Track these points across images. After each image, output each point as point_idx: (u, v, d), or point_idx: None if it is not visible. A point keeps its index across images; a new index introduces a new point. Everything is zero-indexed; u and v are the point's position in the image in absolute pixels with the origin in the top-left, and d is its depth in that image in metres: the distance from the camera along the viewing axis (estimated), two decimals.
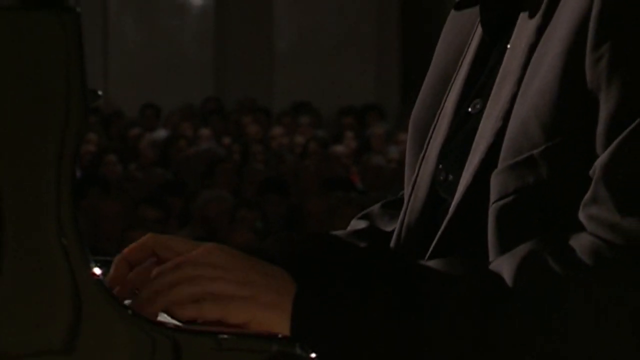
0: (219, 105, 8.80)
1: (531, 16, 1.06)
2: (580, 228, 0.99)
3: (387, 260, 1.02)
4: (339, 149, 7.03)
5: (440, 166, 1.11)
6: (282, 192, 5.35)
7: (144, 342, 0.97)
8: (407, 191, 1.16)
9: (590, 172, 0.99)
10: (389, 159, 6.64)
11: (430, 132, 1.15)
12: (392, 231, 1.17)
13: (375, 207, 1.24)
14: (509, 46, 1.08)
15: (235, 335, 0.97)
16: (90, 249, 0.99)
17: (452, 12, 1.20)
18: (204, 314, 0.96)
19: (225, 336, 0.97)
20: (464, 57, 1.16)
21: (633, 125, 0.97)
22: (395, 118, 8.48)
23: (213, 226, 4.81)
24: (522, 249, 0.98)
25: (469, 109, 1.11)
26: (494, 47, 1.11)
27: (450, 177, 1.10)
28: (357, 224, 1.23)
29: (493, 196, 1.03)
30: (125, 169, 6.42)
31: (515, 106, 1.03)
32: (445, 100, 1.15)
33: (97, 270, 0.98)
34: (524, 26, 1.06)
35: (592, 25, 0.99)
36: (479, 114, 1.09)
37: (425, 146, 1.15)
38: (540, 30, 1.04)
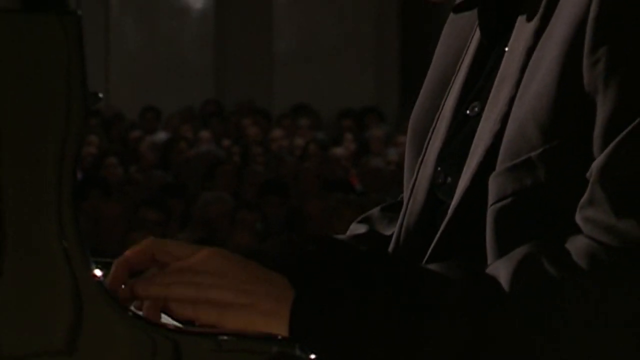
0: (219, 107, 8.80)
1: (529, 19, 1.06)
2: (578, 230, 0.99)
3: (386, 264, 1.02)
4: (339, 151, 7.04)
5: (439, 169, 1.12)
6: (282, 194, 5.35)
7: (145, 343, 0.97)
8: (406, 194, 1.17)
9: (587, 174, 0.99)
10: (388, 161, 6.65)
11: (429, 135, 1.15)
12: (392, 235, 1.17)
13: (375, 211, 1.25)
14: (507, 49, 1.08)
15: (235, 337, 0.98)
16: (91, 251, 0.99)
17: (451, 15, 1.21)
18: (200, 316, 0.97)
19: (225, 337, 0.97)
20: (463, 60, 1.16)
21: (629, 127, 0.97)
22: (394, 120, 8.49)
23: (213, 228, 4.82)
24: (518, 253, 0.99)
25: (467, 112, 1.11)
26: (492, 50, 1.12)
27: (449, 179, 1.10)
28: (357, 228, 1.23)
29: (491, 198, 1.03)
30: (126, 171, 6.42)
31: (513, 109, 1.04)
32: (444, 103, 1.16)
33: (98, 272, 0.99)
34: (522, 29, 1.07)
35: (589, 28, 1.00)
36: (477, 116, 1.09)
37: (423, 149, 1.15)
38: (538, 34, 1.04)
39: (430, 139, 1.15)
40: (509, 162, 1.02)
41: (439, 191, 1.11)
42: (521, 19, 1.07)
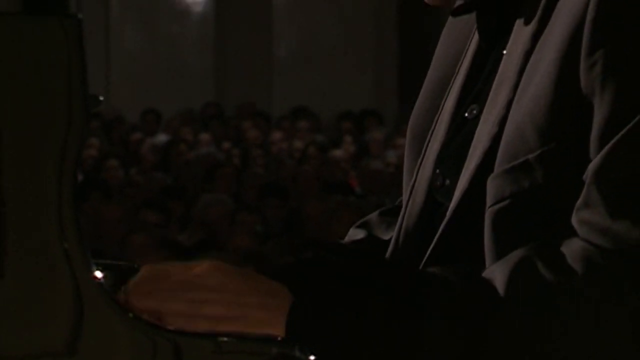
0: (219, 110, 8.80)
1: (527, 23, 1.07)
2: (575, 232, 0.99)
3: (384, 267, 1.03)
4: (338, 153, 7.04)
5: (438, 171, 1.12)
6: (282, 196, 5.36)
7: (145, 345, 0.98)
8: (405, 196, 1.17)
9: (584, 176, 1.00)
10: (387, 163, 6.65)
11: (428, 137, 1.16)
12: (390, 239, 1.17)
13: (373, 216, 1.25)
14: (505, 52, 1.09)
15: (235, 338, 0.98)
16: (92, 253, 1.00)
17: (450, 18, 1.21)
18: (195, 327, 0.98)
19: (225, 339, 0.98)
20: (461, 63, 1.16)
21: (625, 129, 0.98)
22: (393, 123, 8.49)
23: (213, 230, 4.82)
24: (514, 256, 0.99)
25: (466, 115, 1.12)
26: (491, 53, 1.12)
27: (448, 181, 1.10)
28: (355, 234, 1.24)
29: (489, 200, 1.03)
30: (127, 173, 6.42)
31: (511, 112, 1.04)
32: (443, 106, 1.16)
33: (99, 274, 0.99)
34: (520, 32, 1.07)
35: (586, 31, 1.00)
36: (476, 119, 1.09)
37: (422, 151, 1.16)
38: (536, 37, 1.05)
39: (429, 141, 1.16)
40: (507, 164, 1.03)
41: (437, 193, 1.12)
42: (519, 22, 1.08)
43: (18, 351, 0.98)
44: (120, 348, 0.98)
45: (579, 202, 0.99)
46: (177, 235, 4.85)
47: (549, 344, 0.97)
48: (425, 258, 1.08)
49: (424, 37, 8.43)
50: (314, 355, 0.97)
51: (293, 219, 5.06)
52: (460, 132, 1.12)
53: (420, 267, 1.07)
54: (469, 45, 1.17)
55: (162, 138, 7.74)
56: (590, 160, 1.00)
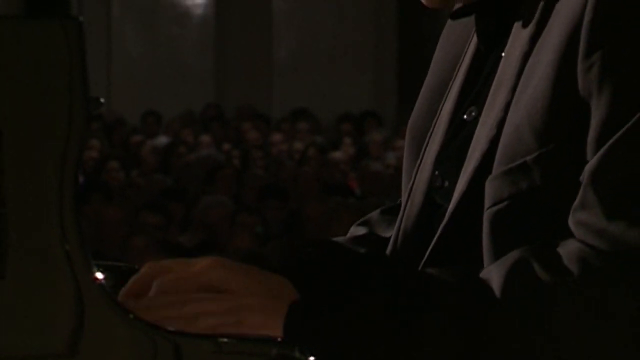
0: (219, 112, 8.80)
1: (525, 25, 1.07)
2: (572, 234, 1.00)
3: (384, 266, 1.03)
4: (338, 155, 7.04)
5: (436, 173, 1.13)
6: (282, 198, 5.36)
7: (146, 346, 0.98)
8: (404, 197, 1.17)
9: (581, 177, 1.00)
10: (386, 164, 6.65)
11: (427, 139, 1.16)
12: (390, 237, 1.18)
13: (375, 214, 1.26)
14: (503, 55, 1.09)
15: (235, 339, 0.99)
16: (93, 254, 1.00)
17: (449, 21, 1.22)
18: (193, 330, 0.98)
19: (226, 340, 0.98)
20: (460, 65, 1.17)
21: (622, 131, 0.98)
22: (392, 124, 8.49)
23: (213, 231, 4.82)
24: (510, 257, 0.99)
25: (465, 117, 1.12)
26: (489, 55, 1.13)
27: (446, 183, 1.11)
28: (357, 231, 1.24)
29: (487, 202, 1.04)
30: (127, 175, 6.43)
31: (509, 114, 1.04)
32: (442, 108, 1.16)
33: (99, 275, 1.00)
34: (518, 35, 1.07)
35: (583, 33, 1.00)
36: (474, 121, 1.10)
37: (421, 153, 1.16)
38: (534, 39, 1.05)
39: (427, 143, 1.16)
40: (505, 166, 1.03)
41: (436, 195, 1.12)
42: (517, 24, 1.08)
43: (19, 352, 0.99)
44: (120, 349, 0.99)
45: (576, 203, 1.00)
46: (178, 236, 4.86)
47: (545, 344, 0.97)
48: (424, 259, 1.09)
49: (423, 39, 8.44)
50: (314, 356, 0.98)
51: (293, 220, 5.06)
52: (459, 134, 1.12)
53: (419, 268, 1.08)
54: (468, 48, 1.17)
55: (162, 140, 7.75)
56: (587, 162, 1.00)
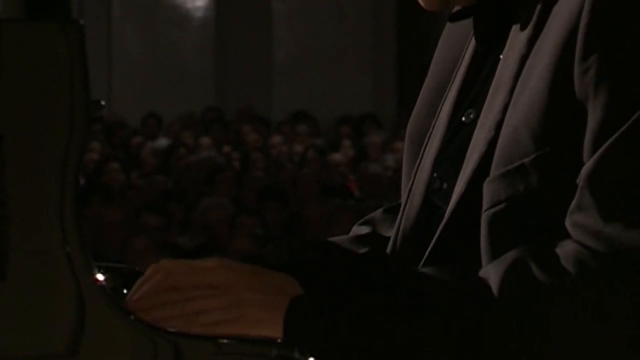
0: (219, 114, 8.81)
1: (523, 28, 1.08)
2: (569, 235, 1.00)
3: (383, 267, 1.04)
4: (337, 157, 7.04)
5: (435, 174, 1.13)
6: (281, 199, 5.37)
7: (146, 346, 0.99)
8: (403, 199, 1.18)
9: (578, 179, 1.01)
10: (385, 167, 6.65)
11: (426, 141, 1.17)
12: None
13: (377, 213, 1.26)
14: (501, 57, 1.10)
15: (235, 340, 0.99)
16: (93, 255, 1.01)
17: (448, 24, 1.22)
18: (193, 331, 0.99)
19: (226, 341, 0.99)
20: (459, 68, 1.17)
21: (618, 133, 0.99)
22: (391, 127, 8.49)
23: (213, 233, 4.83)
24: (508, 257, 1.00)
25: (463, 119, 1.13)
26: (488, 58, 1.13)
27: (445, 185, 1.11)
28: (359, 230, 1.25)
29: (485, 204, 1.04)
30: (128, 176, 6.43)
31: (507, 116, 1.05)
32: (440, 110, 1.17)
33: (100, 276, 1.00)
34: (516, 38, 1.08)
35: (580, 36, 1.01)
36: (473, 123, 1.10)
37: (420, 155, 1.17)
38: (532, 42, 1.06)
39: (426, 145, 1.16)
40: (503, 168, 1.04)
41: (435, 196, 1.13)
42: (515, 27, 1.09)
43: (20, 353, 0.99)
44: (121, 350, 0.99)
45: (573, 205, 1.00)
46: (178, 238, 4.86)
47: (542, 344, 0.97)
48: (423, 260, 1.09)
49: (422, 41, 8.44)
50: (313, 357, 0.98)
51: (293, 222, 5.06)
52: (458, 136, 1.12)
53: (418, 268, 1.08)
54: (466, 50, 1.18)
55: (163, 142, 7.75)
56: (584, 164, 1.00)
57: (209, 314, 0.99)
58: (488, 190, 1.04)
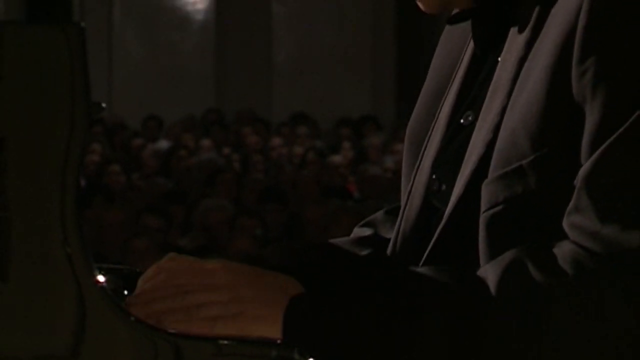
0: (220, 116, 8.81)
1: (521, 30, 1.08)
2: (567, 236, 1.01)
3: (381, 268, 1.04)
4: (337, 158, 7.05)
5: (434, 176, 1.14)
6: (281, 201, 5.37)
7: (146, 347, 0.99)
8: (403, 200, 1.18)
9: (575, 181, 1.01)
10: (385, 168, 6.65)
11: (425, 143, 1.17)
12: None
13: (379, 214, 1.27)
14: (499, 59, 1.10)
15: (235, 341, 1.00)
16: (94, 257, 1.01)
17: (447, 27, 1.23)
18: (194, 330, 0.99)
19: (226, 342, 0.99)
20: (457, 70, 1.18)
21: (615, 135, 0.99)
22: (391, 129, 8.50)
23: (214, 234, 4.83)
24: (506, 257, 1.01)
25: (462, 121, 1.13)
26: (486, 60, 1.14)
27: (444, 187, 1.12)
28: (361, 232, 1.25)
29: (483, 205, 1.05)
30: (128, 178, 6.43)
31: (505, 118, 1.06)
32: (439, 112, 1.17)
33: (101, 278, 1.01)
34: (514, 40, 1.09)
35: (578, 38, 1.02)
36: (471, 125, 1.11)
37: (419, 157, 1.17)
38: (529, 44, 1.06)
39: (426, 147, 1.17)
40: (501, 170, 1.04)
41: (434, 198, 1.13)
42: (513, 30, 1.09)
43: (22, 354, 1.00)
44: (122, 350, 1.00)
45: (570, 206, 1.01)
46: (178, 239, 4.86)
47: (539, 344, 0.98)
48: (422, 261, 1.10)
49: (422, 44, 8.46)
50: (313, 358, 0.99)
51: (293, 223, 5.07)
52: (456, 138, 1.13)
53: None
54: (465, 53, 1.18)
55: (163, 144, 7.75)
56: (581, 166, 1.01)
57: (209, 308, 0.99)
58: (486, 192, 1.05)
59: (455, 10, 1.16)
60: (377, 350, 0.99)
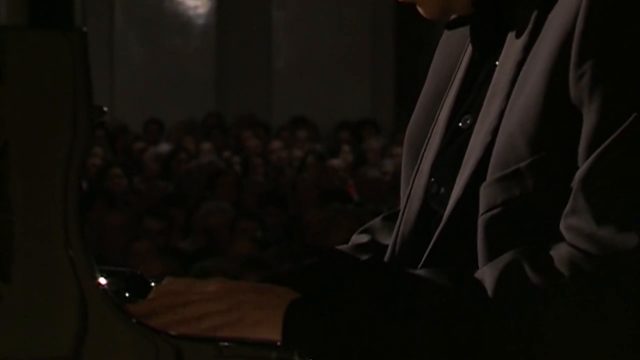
0: (220, 120, 8.82)
1: (518, 35, 1.09)
2: (564, 238, 1.02)
3: (380, 271, 1.05)
4: (336, 162, 7.05)
5: (433, 179, 1.14)
6: (281, 204, 5.37)
7: (148, 349, 1.00)
8: (402, 204, 1.19)
9: (572, 184, 1.02)
10: (384, 171, 6.65)
11: (424, 146, 1.18)
12: None
13: (376, 221, 1.27)
14: (497, 63, 1.11)
15: (236, 343, 1.00)
16: (96, 259, 1.02)
17: (445, 32, 1.23)
18: (196, 331, 1.00)
19: (226, 343, 1.00)
20: (456, 74, 1.18)
21: (611, 138, 1.00)
22: (390, 132, 8.50)
23: (214, 237, 4.84)
24: (503, 259, 1.01)
25: (460, 124, 1.14)
26: (484, 64, 1.14)
27: (442, 190, 1.13)
28: (359, 238, 1.26)
29: (482, 208, 1.06)
30: (130, 181, 6.43)
31: (503, 121, 1.06)
32: (438, 116, 1.18)
33: (103, 280, 1.01)
34: (512, 44, 1.09)
35: (575, 43, 1.02)
36: (470, 129, 1.12)
37: (418, 160, 1.18)
38: (527, 48, 1.07)
39: (425, 150, 1.17)
40: (499, 172, 1.05)
41: (432, 201, 1.14)
42: (511, 34, 1.10)
43: (23, 355, 1.00)
44: (123, 353, 1.00)
45: (567, 208, 1.01)
46: (179, 242, 4.87)
47: (535, 345, 0.99)
48: (421, 263, 1.10)
49: (420, 48, 8.45)
50: (312, 359, 0.99)
51: (292, 226, 5.07)
52: (455, 141, 1.13)
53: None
54: (463, 57, 1.18)
55: (164, 147, 7.76)
56: (579, 169, 1.02)
57: (210, 318, 1.00)
58: (484, 195, 1.06)
59: (453, 16, 1.17)
60: (376, 352, 0.99)
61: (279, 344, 1.00)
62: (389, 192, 5.79)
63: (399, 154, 6.43)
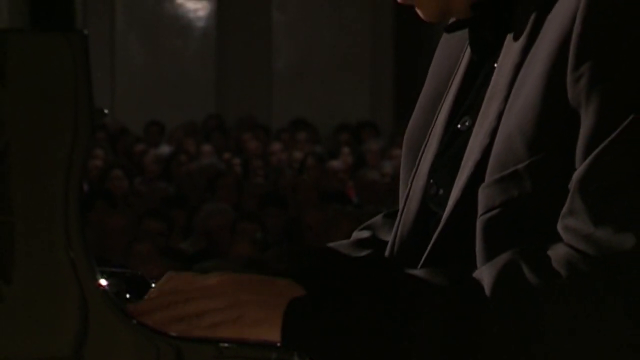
0: (220, 122, 8.82)
1: (517, 37, 1.09)
2: (561, 239, 1.02)
3: (379, 271, 1.05)
4: (336, 164, 7.06)
5: (431, 181, 1.15)
6: (281, 206, 5.38)
7: (148, 350, 1.00)
8: (401, 205, 1.19)
9: (569, 185, 1.03)
10: (383, 173, 6.66)
11: (423, 148, 1.18)
12: None
13: (378, 218, 1.28)
14: (496, 65, 1.12)
15: (236, 344, 1.01)
16: (97, 261, 1.02)
17: (444, 35, 1.24)
18: (194, 333, 1.01)
19: (226, 344, 1.00)
20: (454, 76, 1.19)
21: (608, 140, 1.01)
22: (389, 134, 8.50)
23: (214, 238, 4.84)
24: (501, 259, 1.02)
25: (459, 126, 1.14)
26: (483, 66, 1.15)
27: (441, 191, 1.13)
28: (360, 234, 1.26)
29: (480, 209, 1.06)
30: (131, 183, 6.44)
31: (502, 123, 1.07)
32: (437, 118, 1.19)
33: (103, 281, 1.02)
34: (511, 46, 1.10)
35: (573, 45, 1.03)
36: (468, 130, 1.12)
37: (417, 162, 1.18)
38: (526, 51, 1.08)
39: (423, 152, 1.18)
40: (497, 174, 1.05)
41: (431, 202, 1.14)
42: (510, 36, 1.11)
43: (24, 356, 1.00)
44: (123, 354, 1.01)
45: (564, 209, 1.02)
46: (180, 243, 4.87)
47: (533, 344, 0.99)
48: (420, 265, 1.11)
49: (420, 50, 8.46)
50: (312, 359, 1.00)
51: (292, 227, 5.08)
52: (453, 143, 1.14)
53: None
54: (462, 59, 1.19)
55: (165, 149, 7.76)
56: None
57: (210, 315, 1.00)
58: (483, 196, 1.06)
59: (452, 19, 1.17)
60: (375, 352, 1.00)
61: (278, 344, 1.00)
62: (388, 194, 5.80)
63: (398, 155, 6.43)
